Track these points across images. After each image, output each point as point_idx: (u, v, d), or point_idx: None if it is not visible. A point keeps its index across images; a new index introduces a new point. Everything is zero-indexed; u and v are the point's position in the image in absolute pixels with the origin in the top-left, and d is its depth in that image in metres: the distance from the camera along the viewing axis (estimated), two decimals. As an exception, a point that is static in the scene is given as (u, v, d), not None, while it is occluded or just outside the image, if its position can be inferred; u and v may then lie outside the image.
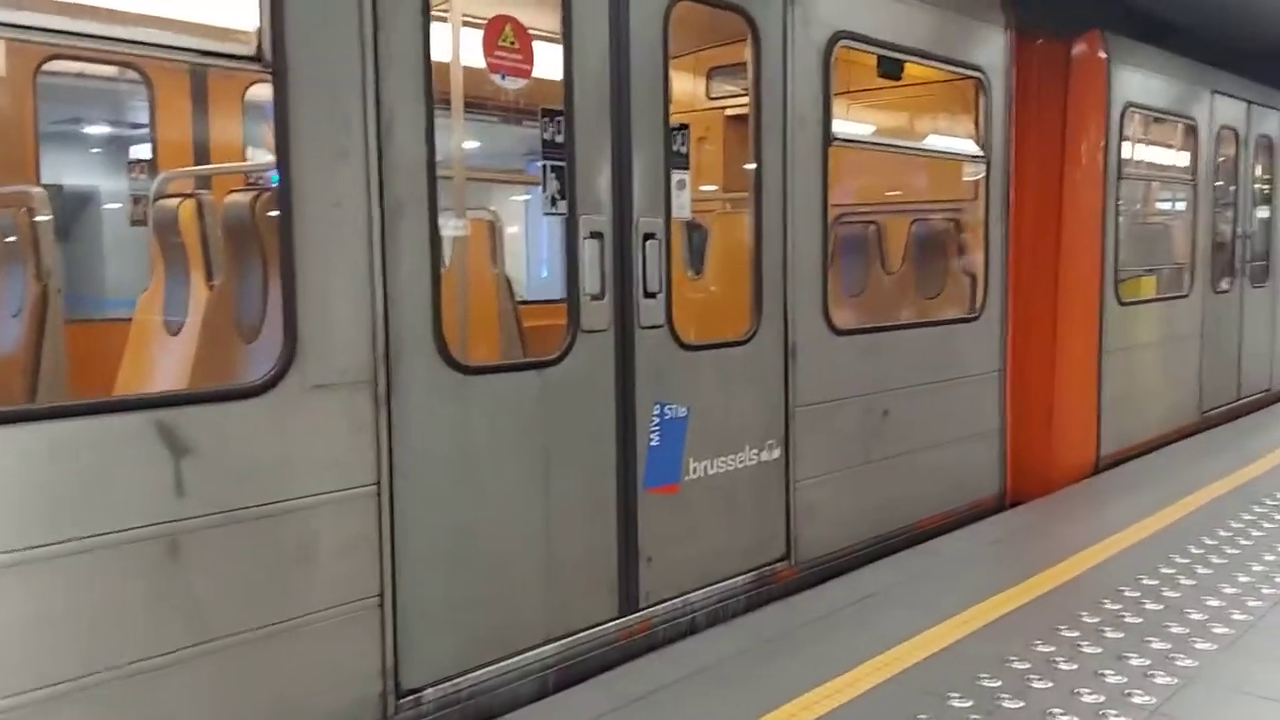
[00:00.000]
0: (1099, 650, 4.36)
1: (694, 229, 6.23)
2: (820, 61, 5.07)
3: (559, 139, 3.96)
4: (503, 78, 3.83)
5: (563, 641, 4.10)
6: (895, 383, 5.74)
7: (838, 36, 5.14)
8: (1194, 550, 5.68)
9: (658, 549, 4.44)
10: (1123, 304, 7.82)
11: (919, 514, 6.02)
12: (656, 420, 4.38)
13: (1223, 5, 9.52)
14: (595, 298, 4.10)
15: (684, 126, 4.48)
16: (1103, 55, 7.32)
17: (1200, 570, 5.35)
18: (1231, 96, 9.26)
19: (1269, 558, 5.54)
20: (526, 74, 3.91)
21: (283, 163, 3.17)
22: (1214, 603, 4.88)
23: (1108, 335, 7.64)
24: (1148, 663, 4.22)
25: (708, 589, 4.71)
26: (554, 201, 3.96)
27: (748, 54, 4.80)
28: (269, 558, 3.24)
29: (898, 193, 7.49)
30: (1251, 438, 8.87)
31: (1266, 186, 10.29)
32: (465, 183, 4.27)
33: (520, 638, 3.97)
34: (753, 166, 4.83)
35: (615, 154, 4.16)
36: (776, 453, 5.00)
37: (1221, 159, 9.21)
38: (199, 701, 3.10)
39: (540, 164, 3.95)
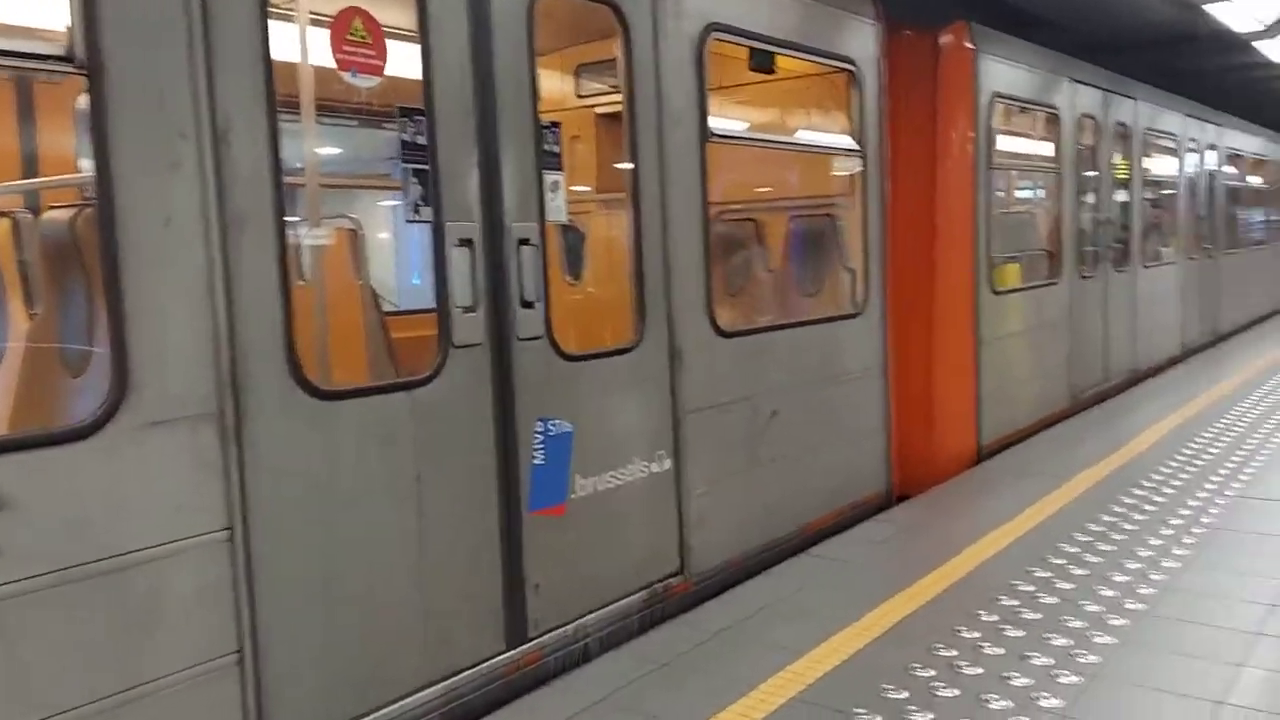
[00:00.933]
0: (1001, 651, 4.28)
1: (569, 232, 5.98)
2: (693, 54, 4.87)
3: (420, 140, 3.65)
4: (354, 75, 3.51)
5: (446, 683, 3.79)
6: (782, 383, 5.60)
7: (710, 28, 4.95)
8: (1081, 538, 5.70)
9: (546, 575, 4.17)
10: (996, 293, 7.88)
11: (808, 515, 5.89)
12: (540, 438, 4.12)
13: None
14: (467, 310, 3.82)
15: (555, 125, 4.22)
16: (969, 46, 7.34)
17: (1090, 558, 5.36)
18: (1090, 85, 9.46)
19: (1154, 542, 5.59)
20: (379, 71, 3.59)
21: (103, 175, 2.80)
22: (1107, 593, 4.88)
23: (983, 325, 7.68)
24: (1051, 661, 4.16)
25: (600, 612, 4.46)
26: (417, 208, 3.66)
27: (617, 48, 4.56)
28: (107, 620, 2.87)
29: (775, 189, 7.36)
30: (1120, 420, 9.07)
31: (1123, 172, 10.56)
32: (319, 190, 3.93)
33: (400, 682, 3.65)
34: (629, 166, 4.60)
35: (482, 155, 3.87)
36: (666, 463, 4.79)
37: (1083, 146, 9.39)
38: (28, 792, 2.71)
39: (402, 168, 3.64)
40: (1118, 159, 10.33)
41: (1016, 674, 4.06)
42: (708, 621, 4.70)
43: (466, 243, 3.80)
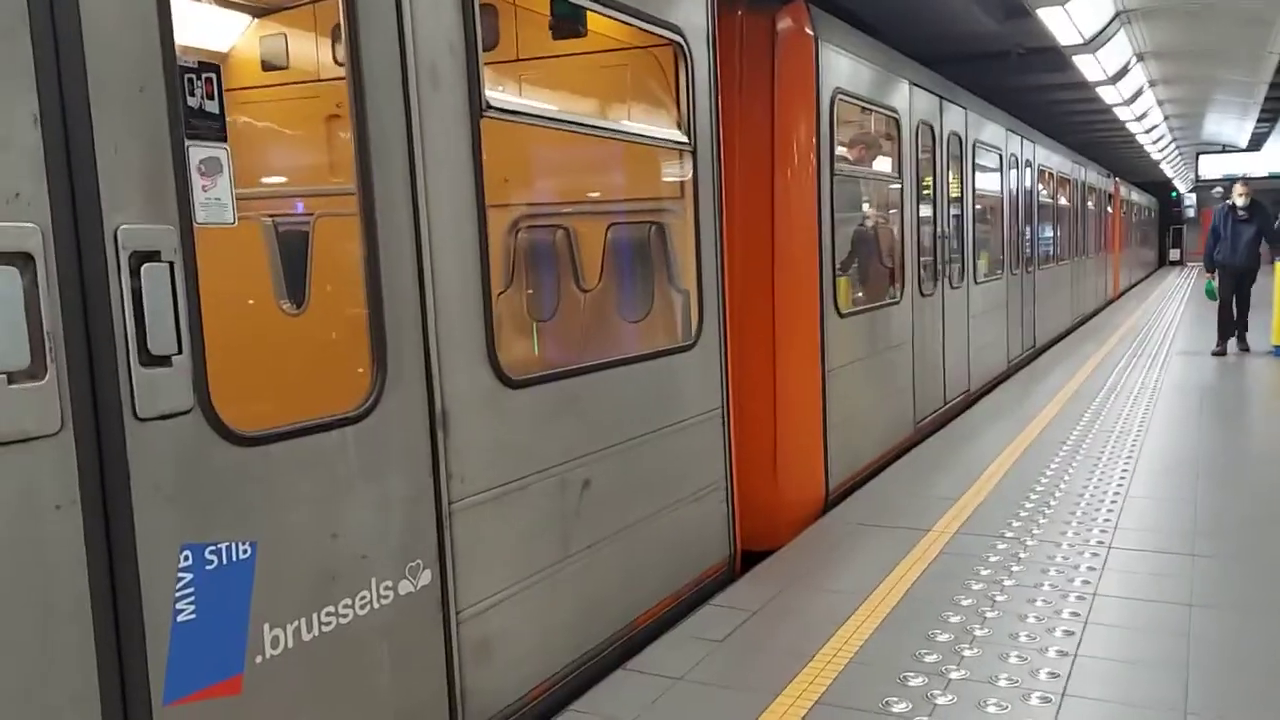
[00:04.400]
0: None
1: (294, 239, 4.14)
2: (456, -13, 3.18)
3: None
4: None
5: None
6: (598, 442, 3.95)
7: (480, -47, 3.26)
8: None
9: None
10: (842, 316, 6.47)
11: (637, 609, 4.27)
12: (186, 576, 2.33)
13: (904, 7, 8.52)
14: (18, 376, 2.01)
15: (210, 67, 2.44)
16: (809, 32, 5.89)
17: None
18: (926, 90, 8.21)
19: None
20: None
21: None
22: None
23: (830, 352, 6.25)
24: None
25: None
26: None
27: None
28: None
29: (591, 190, 5.67)
30: (963, 450, 7.76)
31: (956, 184, 9.39)
32: None
33: None
34: (353, 144, 2.86)
35: (47, 104, 2.07)
36: (425, 577, 3.06)
37: (921, 155, 8.12)
38: None
39: None
40: (952, 169, 9.14)
41: None
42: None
43: (16, 259, 1.99)
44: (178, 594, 2.31)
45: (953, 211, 9.21)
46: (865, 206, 7.86)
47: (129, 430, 2.21)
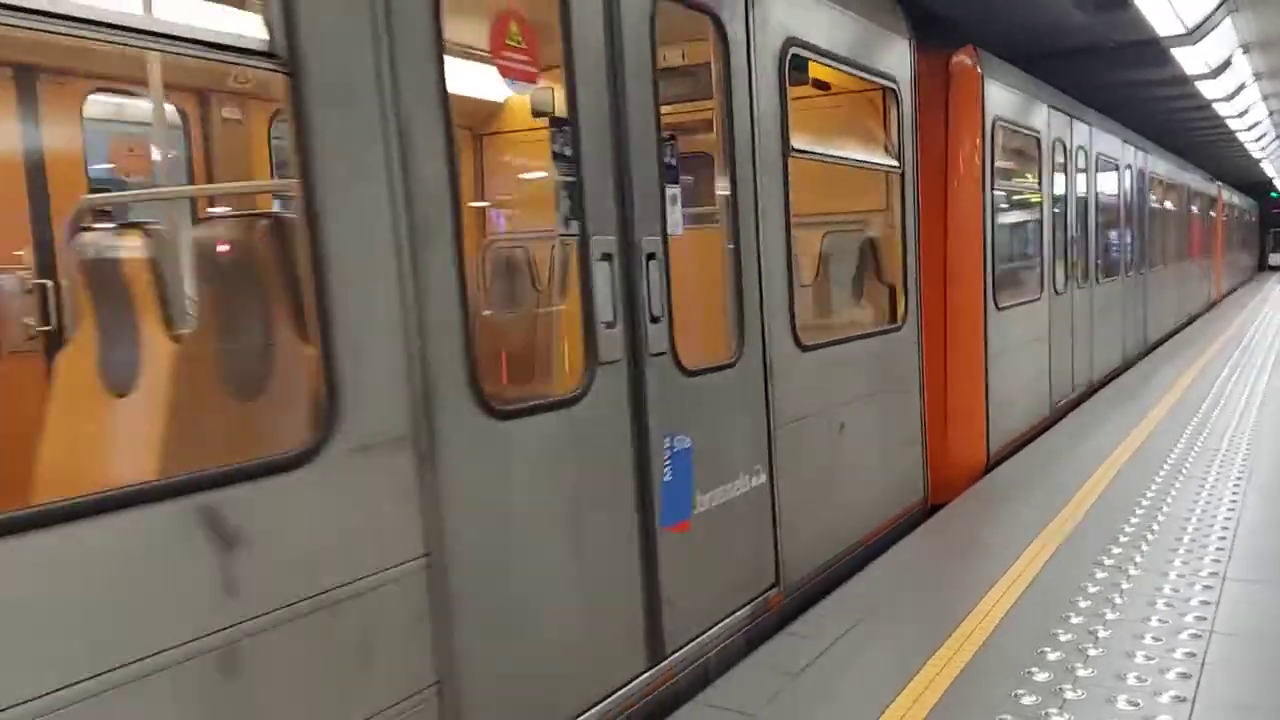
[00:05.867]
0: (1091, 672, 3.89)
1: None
2: (777, 66, 4.68)
3: (568, 151, 3.38)
4: (512, 83, 3.23)
5: (600, 707, 3.50)
6: (847, 395, 5.43)
7: (789, 42, 4.77)
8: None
9: (677, 591, 3.90)
10: (999, 309, 7.84)
11: (868, 525, 5.72)
12: (668, 453, 3.86)
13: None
14: (609, 326, 3.55)
15: (672, 137, 3.98)
16: (978, 70, 7.30)
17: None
18: (1059, 110, 9.54)
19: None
20: (534, 78, 3.32)
21: (308, 177, 2.48)
22: (1162, 603, 4.54)
23: (990, 339, 7.62)
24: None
25: (716, 627, 4.20)
26: (566, 221, 3.39)
27: (713, 55, 4.34)
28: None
29: (832, 206, 7.11)
30: (1064, 459, 7.90)
31: (1084, 193, 10.69)
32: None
33: (564, 706, 3.37)
34: (725, 179, 4.37)
35: (616, 167, 3.62)
36: (762, 477, 4.56)
37: (1056, 168, 9.46)
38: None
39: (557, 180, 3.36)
40: (1080, 180, 10.45)
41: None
42: (810, 636, 4.44)
43: (607, 257, 3.53)
44: (664, 463, 3.83)
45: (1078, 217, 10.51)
46: (1016, 216, 9.21)
47: (645, 362, 3.74)
